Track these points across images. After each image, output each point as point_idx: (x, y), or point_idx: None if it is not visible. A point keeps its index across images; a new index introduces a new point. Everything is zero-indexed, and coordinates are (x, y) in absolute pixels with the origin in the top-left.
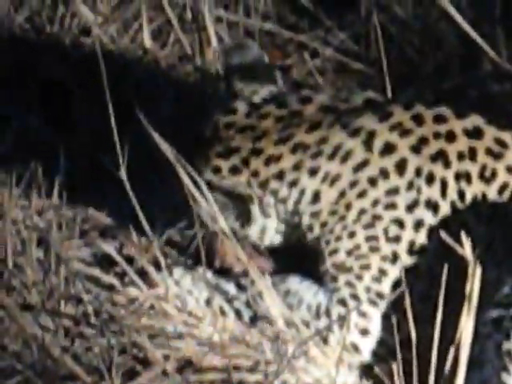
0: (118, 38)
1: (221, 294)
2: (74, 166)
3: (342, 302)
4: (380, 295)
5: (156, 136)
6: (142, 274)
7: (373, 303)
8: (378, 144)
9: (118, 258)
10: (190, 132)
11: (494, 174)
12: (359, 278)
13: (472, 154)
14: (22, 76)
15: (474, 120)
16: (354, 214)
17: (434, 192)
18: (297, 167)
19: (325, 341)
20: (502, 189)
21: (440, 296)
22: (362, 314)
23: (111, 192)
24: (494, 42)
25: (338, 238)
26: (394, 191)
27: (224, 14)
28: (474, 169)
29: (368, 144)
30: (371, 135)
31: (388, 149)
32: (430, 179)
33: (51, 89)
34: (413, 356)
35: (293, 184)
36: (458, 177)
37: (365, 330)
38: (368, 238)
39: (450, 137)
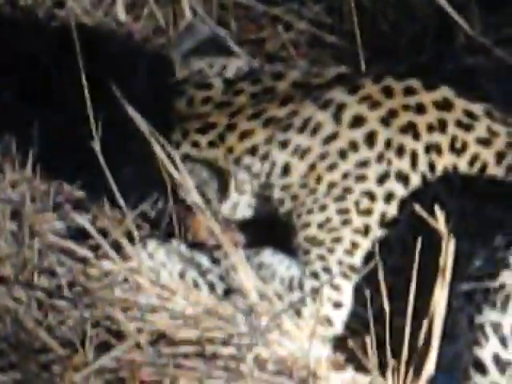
0: (92, 10)
1: (194, 266)
2: (47, 139)
3: (315, 275)
4: (352, 268)
5: (130, 110)
6: (116, 246)
7: (345, 276)
8: (347, 116)
9: (92, 231)
10: (163, 106)
11: (464, 146)
12: (331, 251)
13: (442, 126)
14: None
15: (444, 92)
16: (325, 187)
17: (404, 164)
18: (268, 141)
19: (298, 313)
20: (473, 160)
21: (413, 269)
22: (335, 287)
23: (85, 165)
24: (468, 15)
25: (310, 212)
26: (363, 163)
27: None
28: (444, 140)
29: (337, 116)
30: (340, 108)
31: (357, 121)
32: (400, 151)
33: (26, 62)
34: (386, 329)
35: (264, 157)
36: (428, 149)
37: (337, 302)
38: (339, 211)
39: (420, 109)
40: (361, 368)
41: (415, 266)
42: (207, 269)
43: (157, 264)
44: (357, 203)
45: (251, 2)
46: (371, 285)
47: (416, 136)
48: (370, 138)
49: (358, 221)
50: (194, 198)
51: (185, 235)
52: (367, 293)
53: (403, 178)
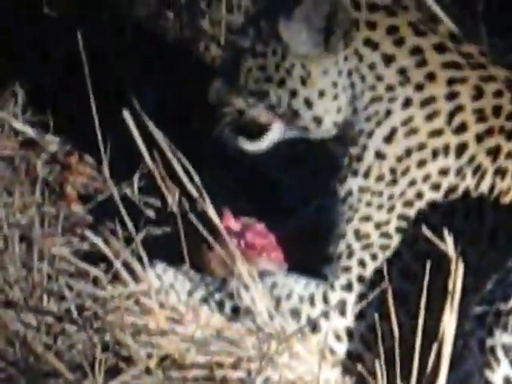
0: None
1: (202, 286)
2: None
3: (346, 287)
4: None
5: (151, 125)
6: (126, 270)
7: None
8: (457, 120)
9: (105, 250)
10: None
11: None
12: (374, 258)
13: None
14: (4, 73)
15: None
16: (405, 183)
17: (472, 182)
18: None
19: (315, 329)
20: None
21: (422, 294)
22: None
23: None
24: (475, 39)
25: (380, 207)
26: (444, 172)
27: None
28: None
29: (451, 116)
30: (457, 109)
31: (461, 128)
32: (476, 170)
33: (33, 87)
34: (395, 353)
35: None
36: (496, 172)
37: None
38: (400, 216)
39: (510, 136)
40: None
41: (424, 290)
42: (215, 288)
43: (165, 285)
44: (420, 213)
45: None
46: (380, 308)
47: (495, 159)
48: (461, 149)
49: (410, 231)
50: (211, 215)
51: (194, 262)
52: (376, 316)
53: (467, 195)
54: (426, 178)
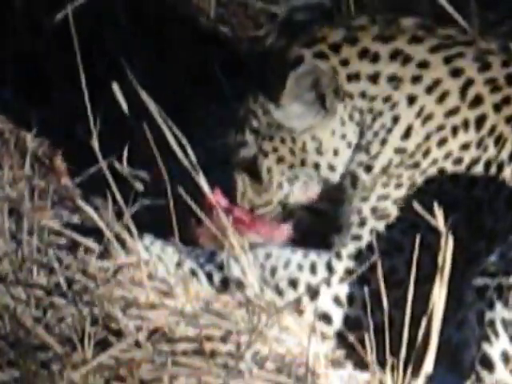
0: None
1: (191, 257)
2: (46, 136)
3: (356, 255)
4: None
5: (144, 95)
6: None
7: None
8: (471, 93)
9: (97, 220)
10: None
11: None
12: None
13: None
14: None
15: None
16: (426, 164)
17: (494, 152)
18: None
19: (313, 297)
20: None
21: (412, 267)
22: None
23: (84, 161)
24: (466, 13)
25: (398, 185)
26: (465, 146)
27: None
28: None
29: (464, 91)
30: (469, 83)
31: (477, 101)
32: (498, 140)
33: (23, 61)
34: (385, 326)
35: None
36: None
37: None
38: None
39: None
40: (359, 365)
41: (413, 263)
42: (205, 259)
43: (153, 257)
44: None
45: None
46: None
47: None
48: (480, 121)
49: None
50: (204, 187)
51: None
52: (366, 290)
53: (488, 166)
54: (448, 154)
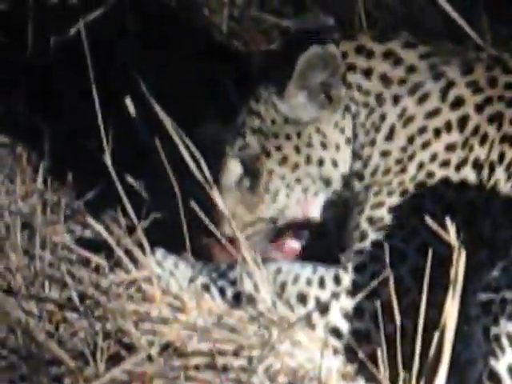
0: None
1: (204, 272)
2: (58, 151)
3: (359, 270)
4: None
5: (158, 109)
6: (128, 257)
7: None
8: (452, 95)
9: (107, 237)
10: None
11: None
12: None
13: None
14: (6, 62)
15: None
16: (414, 169)
17: (482, 152)
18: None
19: (323, 311)
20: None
21: (424, 282)
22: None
23: (96, 177)
24: (478, 28)
25: (391, 193)
26: (451, 147)
27: None
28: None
29: (445, 92)
30: (450, 85)
31: (458, 102)
32: (484, 139)
33: (36, 75)
34: (397, 340)
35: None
36: (503, 139)
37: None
38: (414, 196)
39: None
40: (372, 380)
41: (426, 278)
42: (217, 274)
43: (166, 272)
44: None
45: (261, 14)
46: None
47: (500, 127)
48: (463, 122)
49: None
50: (217, 201)
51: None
52: (379, 304)
53: (478, 167)
54: (434, 157)
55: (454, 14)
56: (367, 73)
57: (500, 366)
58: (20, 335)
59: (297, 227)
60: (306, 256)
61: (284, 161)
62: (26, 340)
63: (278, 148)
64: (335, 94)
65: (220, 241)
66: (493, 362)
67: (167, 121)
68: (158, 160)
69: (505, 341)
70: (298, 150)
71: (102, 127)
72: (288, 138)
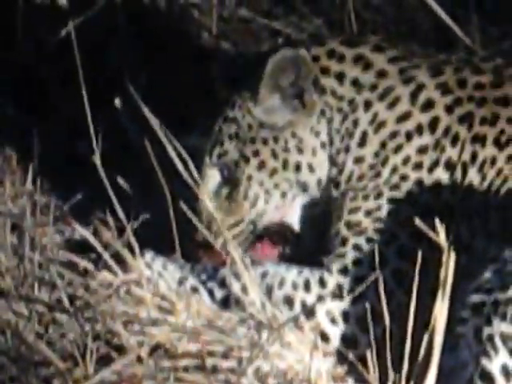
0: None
1: (193, 274)
2: (48, 153)
3: (343, 271)
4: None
5: (146, 111)
6: (116, 259)
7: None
8: (422, 98)
9: (94, 242)
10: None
11: (508, 141)
12: (370, 241)
13: (494, 120)
14: None
15: (508, 90)
16: (388, 172)
17: (454, 153)
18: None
19: (309, 314)
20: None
21: (414, 282)
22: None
23: (85, 178)
24: (468, 29)
25: (365, 197)
26: (423, 150)
27: (198, 0)
28: (491, 133)
29: (415, 95)
30: (420, 88)
31: (428, 105)
32: (455, 140)
33: (26, 76)
34: (386, 342)
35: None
36: (474, 139)
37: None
38: (390, 201)
39: (481, 102)
40: (361, 381)
41: (415, 279)
42: (207, 276)
43: (155, 274)
44: (408, 193)
45: (251, 15)
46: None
47: (470, 127)
48: (434, 124)
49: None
50: (205, 200)
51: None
52: (368, 305)
53: (451, 167)
54: (406, 160)
55: (444, 15)
56: (340, 77)
57: (493, 365)
58: (9, 336)
59: (274, 233)
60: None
61: (262, 166)
62: (15, 341)
63: (256, 153)
64: (308, 98)
65: (209, 242)
66: (485, 362)
67: (155, 122)
68: (147, 161)
69: (498, 341)
70: (275, 154)
71: (91, 128)
72: (265, 142)
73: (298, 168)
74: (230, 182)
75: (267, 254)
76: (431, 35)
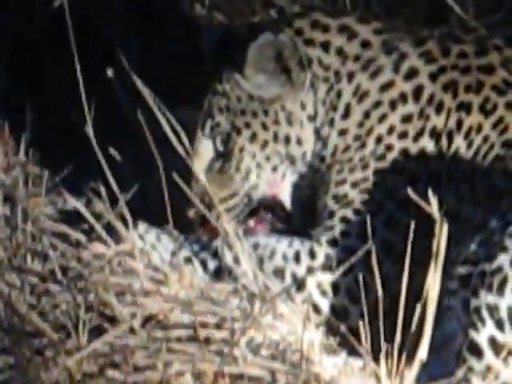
0: None
1: (186, 246)
2: (41, 123)
3: (332, 243)
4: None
5: (139, 82)
6: (109, 230)
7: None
8: (405, 67)
9: (86, 213)
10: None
11: (493, 108)
12: (357, 212)
13: (479, 87)
14: None
15: (492, 58)
16: (373, 142)
17: (439, 121)
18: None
19: (300, 286)
20: (497, 123)
21: (406, 253)
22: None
23: (78, 149)
24: (462, 1)
25: (352, 169)
26: (407, 118)
27: None
28: (476, 100)
29: (397, 65)
30: (402, 57)
31: (412, 73)
32: (439, 108)
33: (19, 49)
34: (379, 313)
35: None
36: (459, 107)
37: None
38: (376, 171)
39: (465, 70)
40: (354, 352)
41: (408, 249)
42: (199, 247)
43: (148, 245)
44: (394, 163)
45: None
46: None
47: (455, 95)
48: (417, 92)
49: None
50: (197, 171)
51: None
52: (360, 276)
53: (436, 135)
54: (391, 129)
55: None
56: (325, 46)
57: (480, 337)
58: (2, 307)
59: (266, 209)
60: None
61: (253, 138)
62: (7, 312)
63: (247, 125)
64: (295, 77)
65: (203, 216)
66: (473, 334)
67: (148, 95)
68: (140, 132)
69: (485, 312)
70: (265, 127)
71: (84, 98)
72: (255, 115)
73: (287, 140)
74: (223, 154)
75: (259, 229)
76: (424, 6)
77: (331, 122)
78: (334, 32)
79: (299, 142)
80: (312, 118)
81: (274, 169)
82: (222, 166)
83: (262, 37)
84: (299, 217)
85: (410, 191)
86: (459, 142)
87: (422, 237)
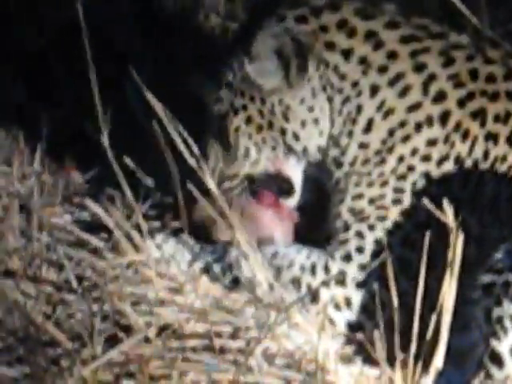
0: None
1: (203, 256)
2: (56, 133)
3: (346, 258)
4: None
5: (149, 96)
6: (126, 239)
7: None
8: (434, 89)
9: (107, 219)
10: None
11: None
12: (372, 228)
13: (507, 117)
14: (5, 50)
15: None
16: (394, 161)
17: (464, 148)
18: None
19: (315, 299)
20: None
21: (422, 263)
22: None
23: (93, 158)
24: (475, 9)
25: (370, 184)
26: (432, 142)
27: None
28: (503, 131)
29: (426, 86)
30: (431, 78)
31: (440, 96)
32: (465, 135)
33: (34, 60)
34: (395, 322)
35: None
36: (487, 137)
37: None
38: (395, 190)
39: (495, 96)
40: (369, 361)
41: (423, 259)
42: (216, 257)
43: (165, 255)
44: (414, 184)
45: None
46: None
47: (483, 123)
48: (445, 117)
49: (407, 202)
50: (210, 184)
51: (193, 231)
52: (376, 286)
53: (460, 163)
54: (414, 151)
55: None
56: (346, 53)
57: (502, 347)
58: (17, 317)
59: (271, 184)
60: (299, 235)
61: (249, 120)
62: (23, 322)
63: (244, 107)
64: (292, 73)
65: (217, 218)
66: (495, 344)
67: (158, 106)
68: (155, 141)
69: (507, 322)
70: (261, 114)
71: (99, 108)
72: (252, 100)
73: (283, 132)
74: (222, 132)
75: (266, 203)
76: (439, 15)
77: (350, 134)
78: (360, 38)
79: (296, 137)
80: (319, 122)
81: (274, 148)
82: (224, 144)
83: (270, 29)
84: (306, 194)
85: (426, 201)
86: (484, 171)
87: (440, 256)
